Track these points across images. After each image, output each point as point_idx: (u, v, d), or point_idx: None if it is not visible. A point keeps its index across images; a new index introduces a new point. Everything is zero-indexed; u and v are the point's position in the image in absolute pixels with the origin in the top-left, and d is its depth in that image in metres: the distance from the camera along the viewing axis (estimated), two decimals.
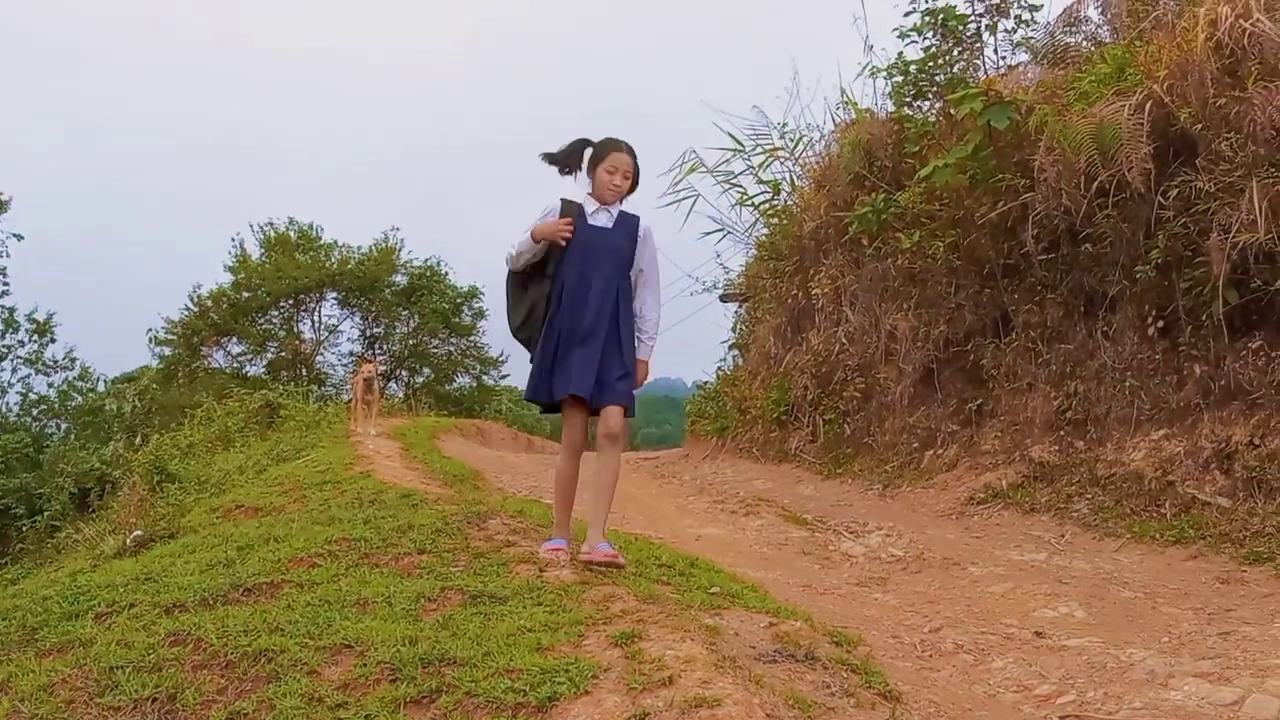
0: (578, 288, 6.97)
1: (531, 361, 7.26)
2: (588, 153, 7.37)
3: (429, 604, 6.25)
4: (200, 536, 9.31)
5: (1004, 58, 15.12)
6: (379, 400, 18.82)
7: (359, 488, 10.66)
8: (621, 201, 7.38)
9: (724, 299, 20.42)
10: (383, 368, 31.60)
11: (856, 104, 17.08)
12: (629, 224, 7.26)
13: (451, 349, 36.80)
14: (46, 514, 25.88)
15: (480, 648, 5.47)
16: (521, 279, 7.24)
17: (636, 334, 7.26)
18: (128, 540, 11.05)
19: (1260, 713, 6.68)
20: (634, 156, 7.35)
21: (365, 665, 5.51)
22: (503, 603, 6.12)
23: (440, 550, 7.27)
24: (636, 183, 7.42)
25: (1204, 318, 11.22)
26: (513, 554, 7.12)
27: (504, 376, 39.77)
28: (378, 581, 6.73)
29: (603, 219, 7.20)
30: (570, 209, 7.15)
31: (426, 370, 36.15)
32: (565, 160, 7.34)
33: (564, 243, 6.98)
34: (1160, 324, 11.78)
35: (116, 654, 6.30)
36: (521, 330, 7.21)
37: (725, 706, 4.50)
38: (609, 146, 7.35)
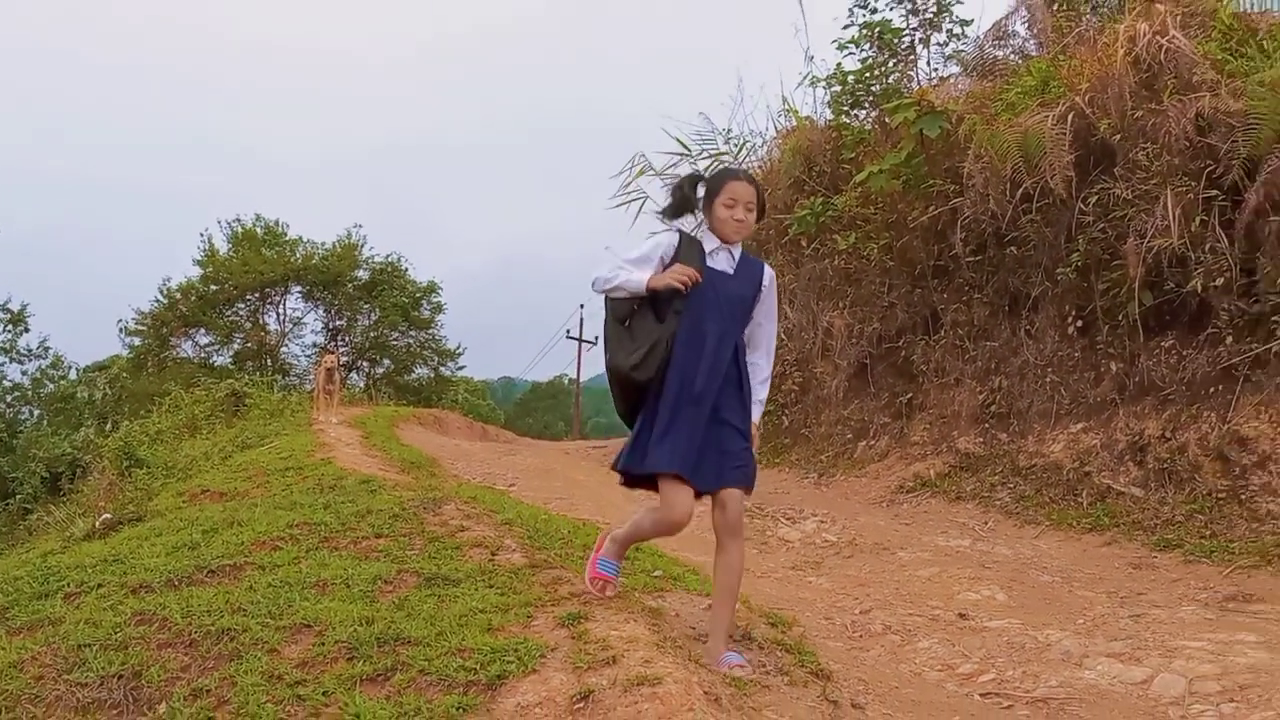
0: (691, 340, 5.49)
1: (624, 416, 5.83)
2: (701, 188, 5.92)
3: (385, 586, 6.26)
4: (167, 520, 9.27)
5: (936, 69, 15.25)
6: (340, 390, 18.80)
7: (320, 474, 10.64)
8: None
9: None
10: (344, 359, 31.57)
11: (797, 112, 17.12)
12: (753, 271, 5.78)
13: (410, 341, 36.72)
14: (19, 497, 25.73)
15: (434, 628, 5.48)
16: (621, 313, 5.71)
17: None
18: (97, 523, 11.00)
19: (1168, 691, 6.78)
20: (756, 185, 5.87)
21: (324, 644, 5.51)
22: (456, 585, 6.14)
23: (397, 534, 7.26)
24: (763, 213, 5.99)
25: (1120, 318, 11.34)
26: (466, 538, 7.10)
27: (460, 368, 39.82)
28: (336, 564, 6.73)
29: (723, 261, 5.67)
30: (691, 249, 5.66)
31: (386, 361, 36.07)
32: (679, 208, 5.93)
33: (683, 289, 5.48)
34: (1079, 323, 11.90)
35: (84, 632, 6.29)
36: (640, 369, 5.57)
37: (665, 685, 4.52)
38: (725, 177, 5.92)
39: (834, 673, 5.79)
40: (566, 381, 51.60)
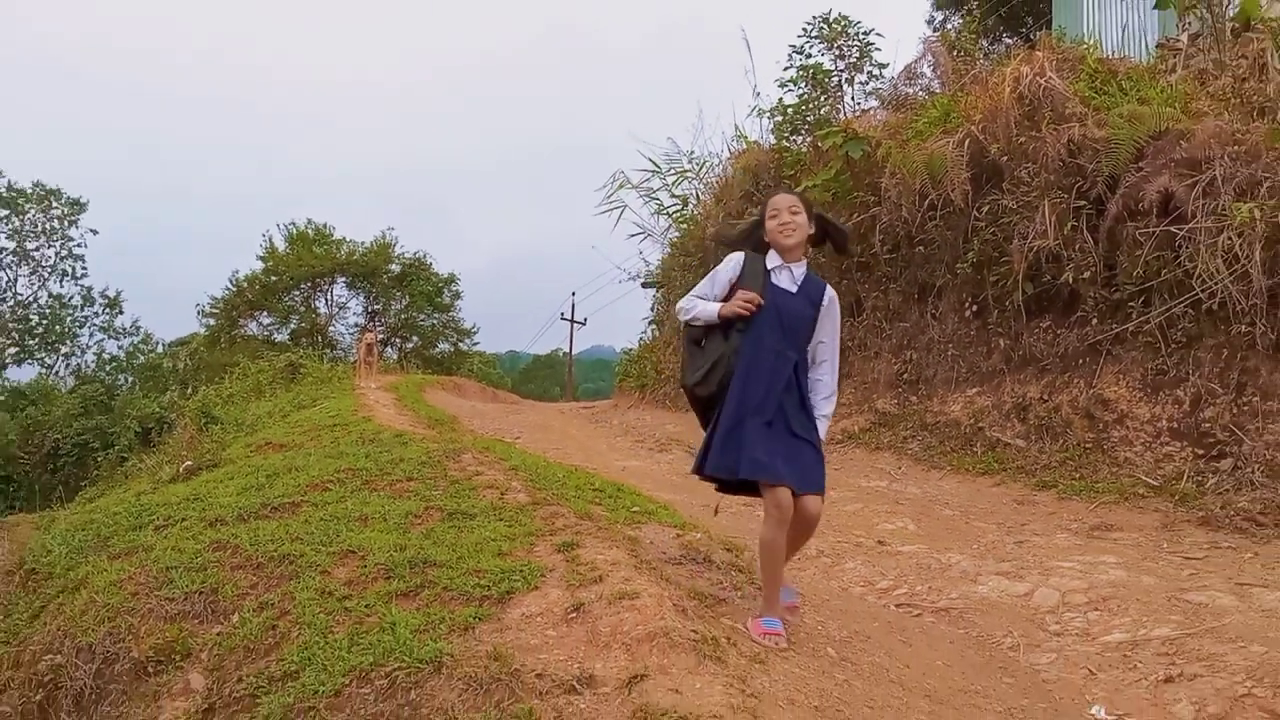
0: (755, 355, 5.01)
1: (702, 426, 5.43)
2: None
3: (415, 519, 6.29)
4: (237, 466, 9.26)
5: (859, 103, 15.26)
6: (378, 361, 18.73)
7: (361, 429, 10.61)
8: (805, 255, 5.31)
9: (645, 285, 20.41)
10: (380, 336, 31.49)
11: (746, 137, 17.13)
12: (814, 290, 5.22)
13: (434, 322, 36.59)
14: (117, 448, 25.61)
15: (455, 553, 5.51)
16: (697, 334, 5.27)
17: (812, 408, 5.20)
18: (180, 469, 10.94)
19: (1045, 601, 6.82)
20: (798, 195, 5.41)
21: (366, 567, 5.53)
22: (472, 518, 6.16)
23: (424, 478, 7.27)
24: (812, 222, 5.27)
25: (1007, 303, 11.38)
26: (480, 481, 7.11)
27: (475, 343, 39.81)
28: (375, 502, 6.75)
29: (785, 280, 5.15)
30: (755, 267, 5.18)
31: (415, 338, 35.94)
32: (743, 240, 5.41)
33: (747, 313, 5.03)
34: (974, 308, 11.93)
35: (171, 557, 6.29)
36: (702, 385, 5.17)
37: (642, 598, 4.55)
38: (768, 197, 5.46)
39: None
40: (561, 354, 51.45)
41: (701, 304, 5.25)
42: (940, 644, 5.86)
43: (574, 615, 4.52)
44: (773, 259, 5.19)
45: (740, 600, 5.39)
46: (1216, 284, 9.42)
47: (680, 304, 5.39)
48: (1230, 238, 9.37)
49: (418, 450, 8.19)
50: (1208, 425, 9.45)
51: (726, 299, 5.17)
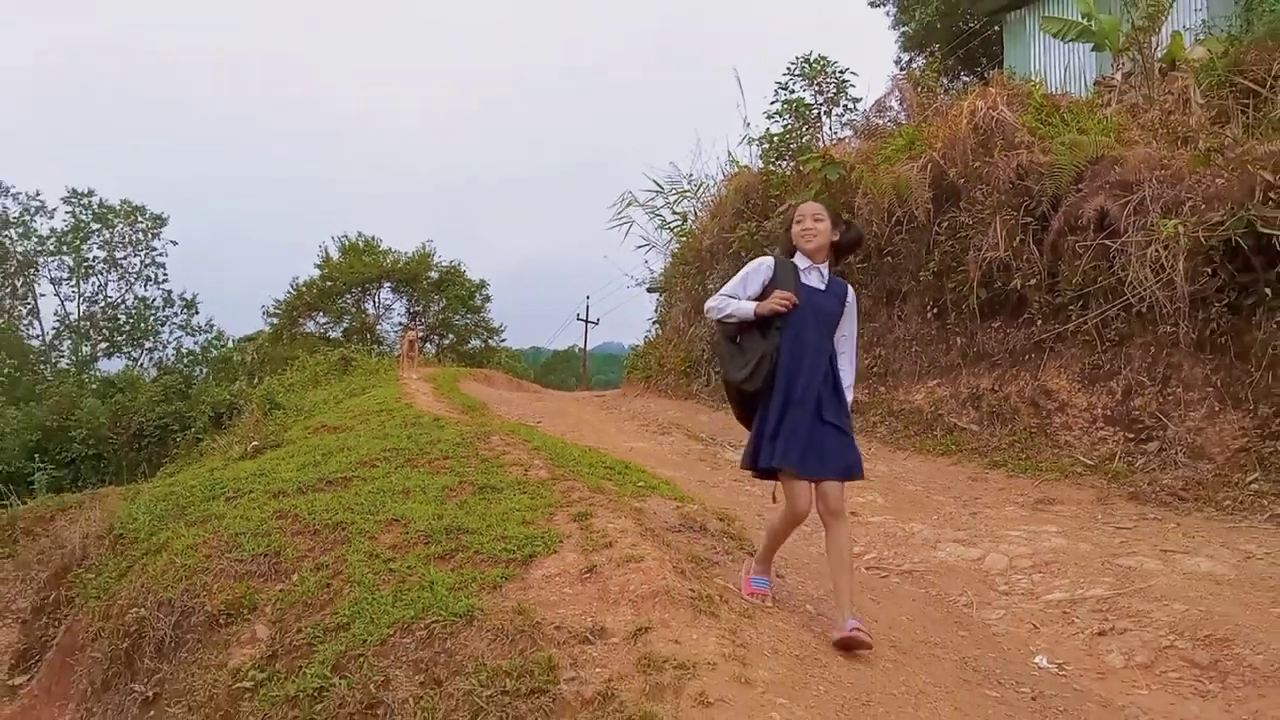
0: (794, 350, 4.73)
1: (741, 420, 5.09)
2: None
3: (450, 492, 6.27)
4: (297, 446, 9.25)
5: (836, 133, 15.22)
6: (419, 355, 18.70)
7: (404, 414, 10.60)
8: (834, 262, 5.07)
9: (649, 290, 20.36)
10: (421, 334, 31.52)
11: (738, 161, 17.06)
12: (839, 288, 4.99)
13: (467, 321, 36.43)
14: (193, 430, 25.57)
15: (485, 521, 5.50)
16: (731, 331, 4.94)
17: None
18: (248, 448, 10.95)
19: (995, 565, 6.82)
20: (821, 203, 5.17)
21: (408, 533, 5.53)
22: (499, 492, 6.14)
23: (458, 457, 7.24)
24: (836, 229, 5.02)
25: (964, 307, 11.35)
26: (507, 459, 7.08)
27: (502, 340, 39.78)
28: (416, 478, 6.73)
29: (815, 279, 4.91)
30: (786, 269, 4.91)
31: (451, 336, 35.85)
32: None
33: (785, 310, 4.75)
34: (935, 310, 11.90)
35: (239, 524, 6.30)
36: (749, 381, 4.81)
37: (646, 561, 4.55)
38: (793, 205, 5.29)
39: None
40: (576, 350, 51.38)
41: (734, 303, 4.92)
42: (904, 602, 5.86)
43: (588, 575, 4.52)
44: (802, 260, 4.96)
45: (731, 563, 5.39)
46: (1145, 290, 9.40)
47: (710, 303, 5.06)
48: (1157, 250, 9.35)
49: (453, 433, 8.19)
50: (1137, 413, 9.44)
51: (761, 299, 4.87)
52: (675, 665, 3.70)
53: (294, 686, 4.23)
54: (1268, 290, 8.84)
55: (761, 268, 5.00)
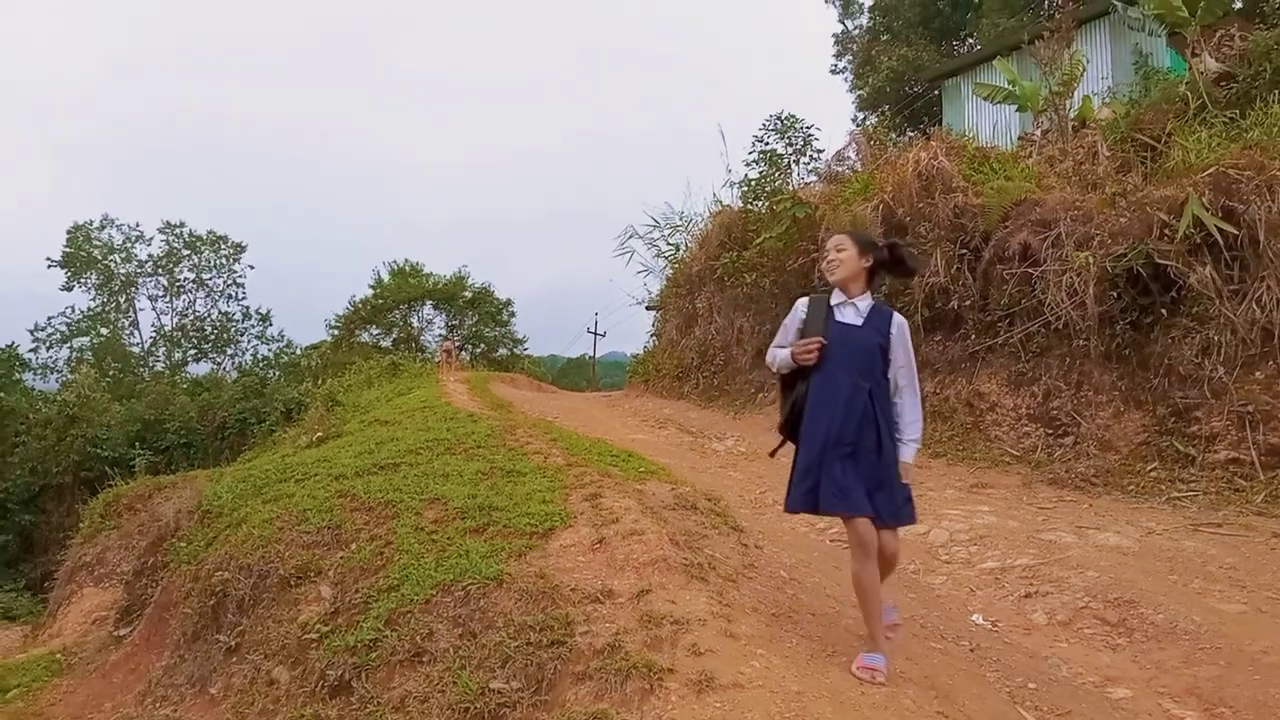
0: (823, 389, 3.93)
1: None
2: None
3: (483, 476, 6.17)
4: (354, 437, 9.19)
5: (803, 178, 15.14)
6: (456, 361, 18.61)
7: (444, 411, 10.53)
8: (872, 290, 4.21)
9: (648, 308, 20.29)
10: (457, 343, 31.45)
11: (721, 201, 17.01)
12: (880, 320, 4.07)
13: (496, 334, 36.34)
14: (267, 423, 25.57)
15: (511, 500, 5.43)
16: (788, 378, 4.21)
17: (896, 435, 3.97)
18: (313, 438, 10.92)
19: (938, 539, 6.78)
20: (847, 234, 4.27)
21: (447, 510, 5.48)
22: (523, 475, 6.05)
23: (489, 446, 7.13)
24: (866, 254, 4.13)
25: (910, 323, 11.28)
26: (529, 449, 6.97)
27: (525, 349, 39.69)
28: (454, 463, 6.63)
29: (850, 314, 4.06)
30: (816, 307, 4.15)
31: (482, 345, 35.79)
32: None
33: (808, 358, 3.97)
34: None
35: (307, 502, 6.25)
36: (784, 427, 4.22)
37: (647, 534, 4.50)
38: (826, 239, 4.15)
39: (745, 528, 5.76)
40: (586, 358, 51.33)
41: (778, 353, 4.23)
42: None
43: (598, 546, 4.48)
44: (836, 296, 4.13)
45: (718, 536, 5.34)
46: (1061, 310, 9.38)
47: (767, 358, 4.39)
48: (1071, 277, 9.34)
49: (484, 426, 8.13)
50: (1055, 412, 9.40)
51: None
52: (671, 621, 3.66)
53: (353, 638, 4.20)
54: (1163, 310, 8.86)
55: (795, 312, 4.25)
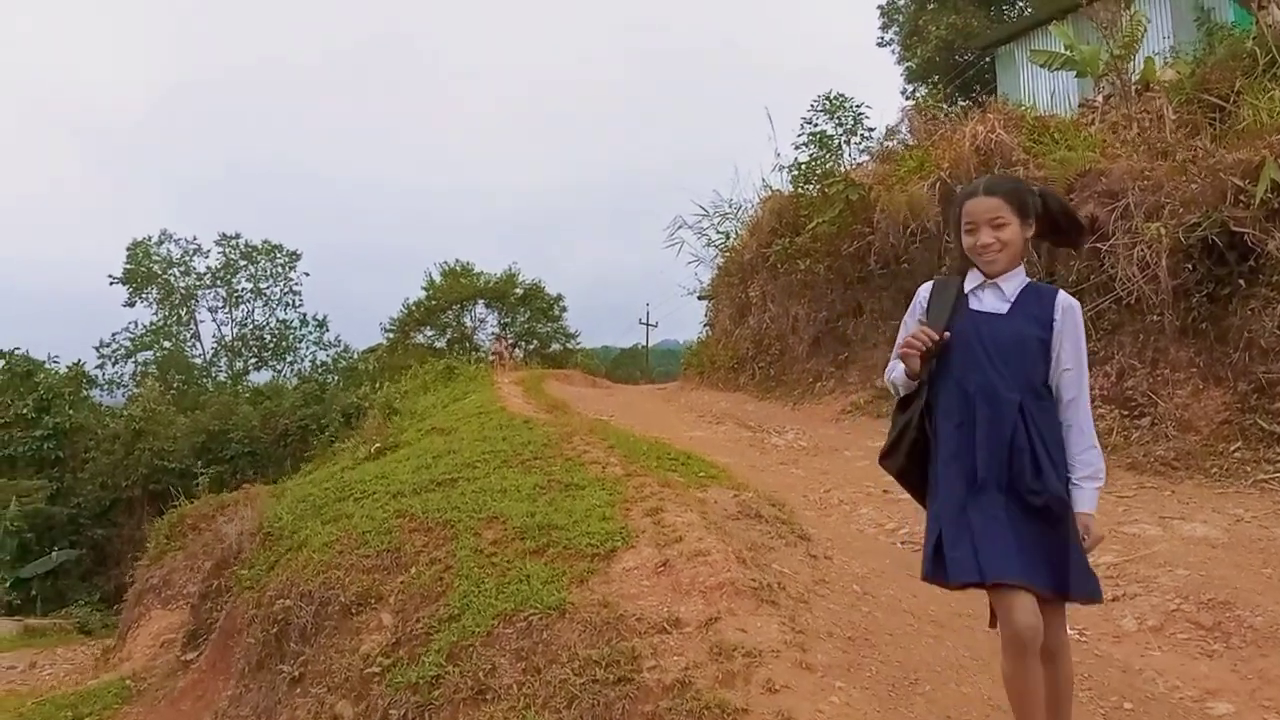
0: (956, 407, 2.83)
1: (920, 501, 3.14)
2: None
3: (541, 490, 6.03)
4: (411, 449, 9.13)
5: (854, 159, 14.82)
6: (510, 360, 18.47)
7: (499, 418, 10.43)
8: (1023, 261, 3.02)
9: (700, 298, 20.13)
10: (510, 341, 31.52)
11: (771, 186, 16.75)
12: (1039, 304, 2.90)
13: (548, 329, 36.32)
14: (328, 431, 25.83)
15: (571, 518, 5.28)
16: (904, 400, 3.11)
17: (1064, 470, 2.80)
18: (371, 449, 10.90)
19: None
20: (1000, 194, 2.95)
21: (506, 529, 5.36)
22: (582, 489, 5.90)
23: (546, 457, 6.96)
24: (1034, 223, 2.94)
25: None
26: (587, 458, 6.81)
27: (578, 343, 39.63)
28: (511, 477, 6.49)
29: (990, 300, 2.93)
30: (943, 293, 3.09)
31: (535, 341, 35.77)
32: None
33: (917, 355, 2.90)
34: None
35: (366, 524, 6.20)
36: (889, 459, 3.18)
37: (713, 555, 4.34)
38: (961, 197, 3.09)
39: (812, 535, 5.59)
40: (640, 347, 51.20)
41: (895, 365, 3.08)
42: None
43: (662, 569, 4.33)
44: (973, 277, 3.01)
45: (784, 547, 5.17)
46: (1133, 285, 9.02)
47: (885, 372, 3.21)
48: (1143, 250, 8.97)
49: (540, 434, 7.99)
50: (1130, 392, 9.05)
51: None
52: (743, 653, 3.51)
53: (415, 674, 4.11)
54: (1241, 281, 8.46)
55: (916, 303, 3.17)
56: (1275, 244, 8.30)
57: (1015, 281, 2.91)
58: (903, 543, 6.48)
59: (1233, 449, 8.06)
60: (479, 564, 4.97)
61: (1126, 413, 9.01)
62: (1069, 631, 2.98)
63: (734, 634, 3.67)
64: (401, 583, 5.26)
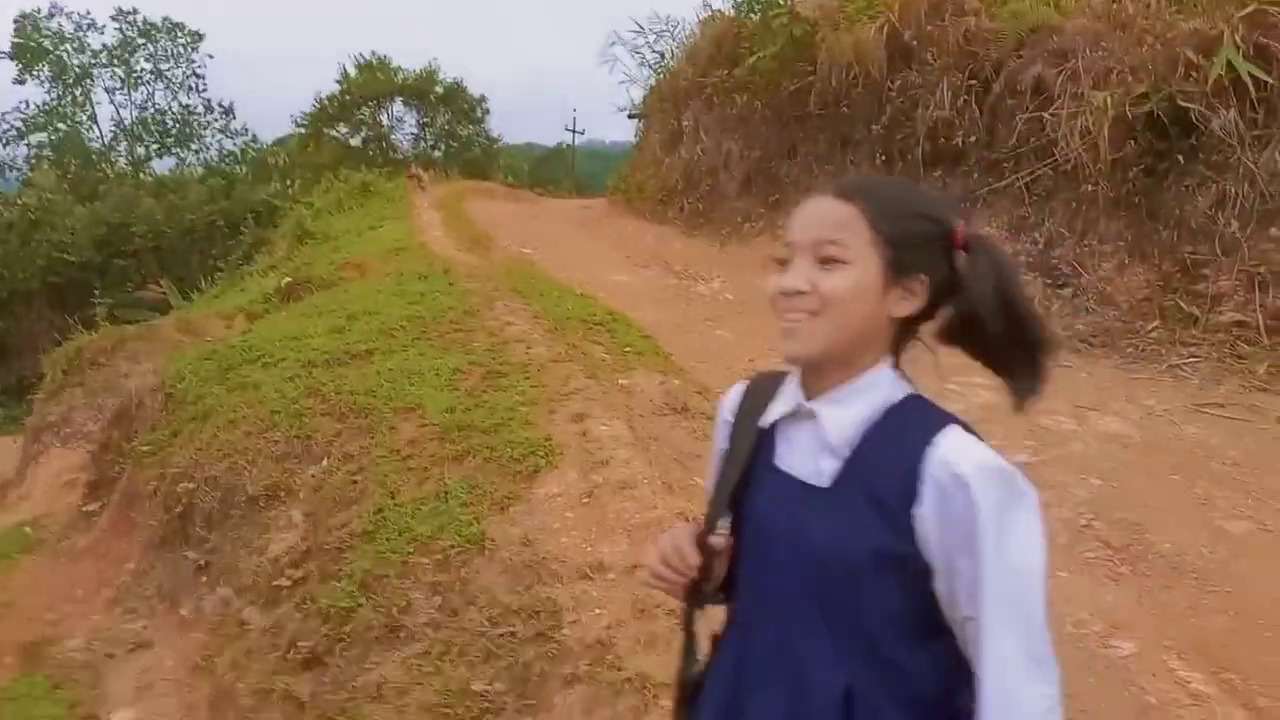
0: (735, 669, 1.30)
1: None
2: None
3: (461, 376, 5.72)
4: (326, 297, 8.66)
5: None
6: (426, 185, 17.47)
7: (417, 257, 9.94)
8: (901, 349, 1.42)
9: (630, 116, 19.35)
10: (429, 143, 30.23)
11: (712, 5, 15.87)
12: (896, 466, 1.20)
13: (470, 132, 34.49)
14: (238, 234, 24.78)
15: (492, 417, 5.03)
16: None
17: None
18: (282, 283, 10.42)
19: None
20: (859, 202, 1.28)
21: (424, 426, 5.11)
22: (504, 377, 5.63)
23: (466, 328, 6.52)
24: (925, 287, 1.31)
25: (909, 157, 10.64)
26: (510, 333, 6.48)
27: (500, 145, 38.04)
28: (431, 354, 6.10)
29: (803, 453, 1.29)
30: (743, 433, 1.40)
31: (455, 144, 34.15)
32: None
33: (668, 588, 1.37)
34: (884, 159, 11.16)
35: (275, 399, 5.90)
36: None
37: (640, 487, 4.17)
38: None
39: None
40: (565, 147, 49.83)
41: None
42: None
43: (587, 500, 4.14)
44: (788, 393, 1.38)
45: (709, 454, 5.04)
46: (1071, 153, 8.84)
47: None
48: (1085, 118, 8.73)
49: (460, 294, 7.54)
50: (1056, 261, 9.01)
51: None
52: (666, 611, 3.41)
53: (326, 601, 3.96)
54: (1180, 158, 8.32)
55: (720, 421, 1.59)
56: (1220, 122, 8.13)
57: (856, 409, 1.32)
58: None
59: (1150, 328, 8.12)
60: (394, 467, 4.77)
61: (1050, 281, 8.99)
62: None
63: None
64: (313, 477, 5.04)
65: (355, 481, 4.76)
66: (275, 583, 4.39)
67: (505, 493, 4.24)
